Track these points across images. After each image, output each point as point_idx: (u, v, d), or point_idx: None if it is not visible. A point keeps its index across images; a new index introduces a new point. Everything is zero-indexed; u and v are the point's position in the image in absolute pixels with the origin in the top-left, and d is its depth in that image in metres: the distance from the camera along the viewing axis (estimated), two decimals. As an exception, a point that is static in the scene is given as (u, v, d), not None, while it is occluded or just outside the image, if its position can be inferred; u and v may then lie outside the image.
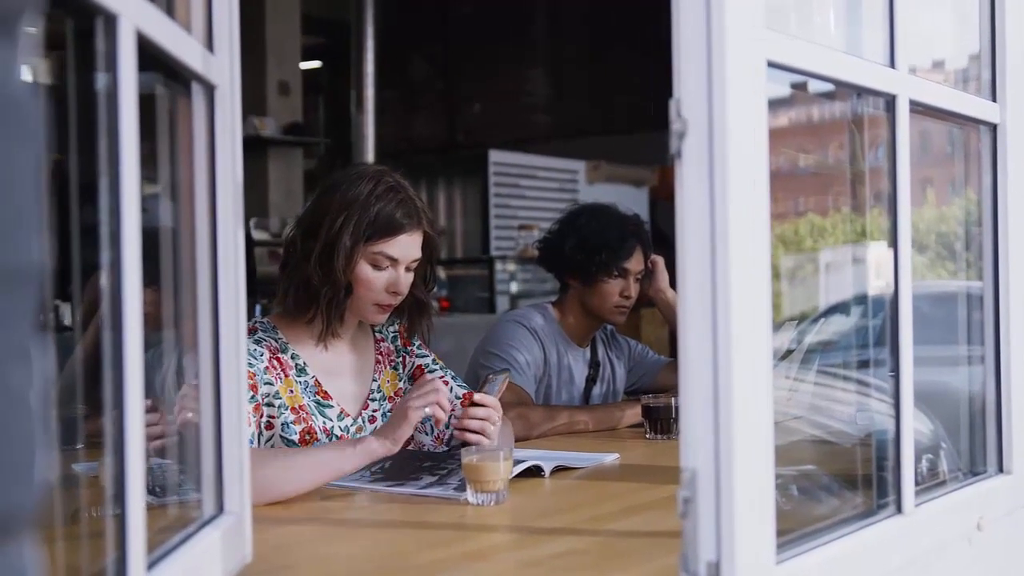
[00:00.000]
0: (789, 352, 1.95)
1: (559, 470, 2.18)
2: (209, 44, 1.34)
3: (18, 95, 0.55)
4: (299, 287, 2.21)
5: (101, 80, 0.99)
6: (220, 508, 1.36)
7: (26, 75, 0.56)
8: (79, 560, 1.16)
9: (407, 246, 2.21)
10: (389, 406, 2.35)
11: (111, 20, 0.98)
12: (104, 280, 1.00)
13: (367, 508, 1.86)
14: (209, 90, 1.33)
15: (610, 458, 2.34)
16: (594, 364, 3.12)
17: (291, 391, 2.19)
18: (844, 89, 1.55)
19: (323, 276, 2.17)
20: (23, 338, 0.55)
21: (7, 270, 0.53)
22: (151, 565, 1.08)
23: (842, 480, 1.69)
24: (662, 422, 2.62)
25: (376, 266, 2.20)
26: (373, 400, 2.34)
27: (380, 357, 2.39)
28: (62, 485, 1.27)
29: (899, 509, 1.49)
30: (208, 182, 1.34)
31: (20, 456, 0.54)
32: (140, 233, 1.01)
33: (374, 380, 2.36)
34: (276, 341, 2.22)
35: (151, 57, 1.10)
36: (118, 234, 0.98)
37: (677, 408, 2.61)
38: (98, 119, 1.00)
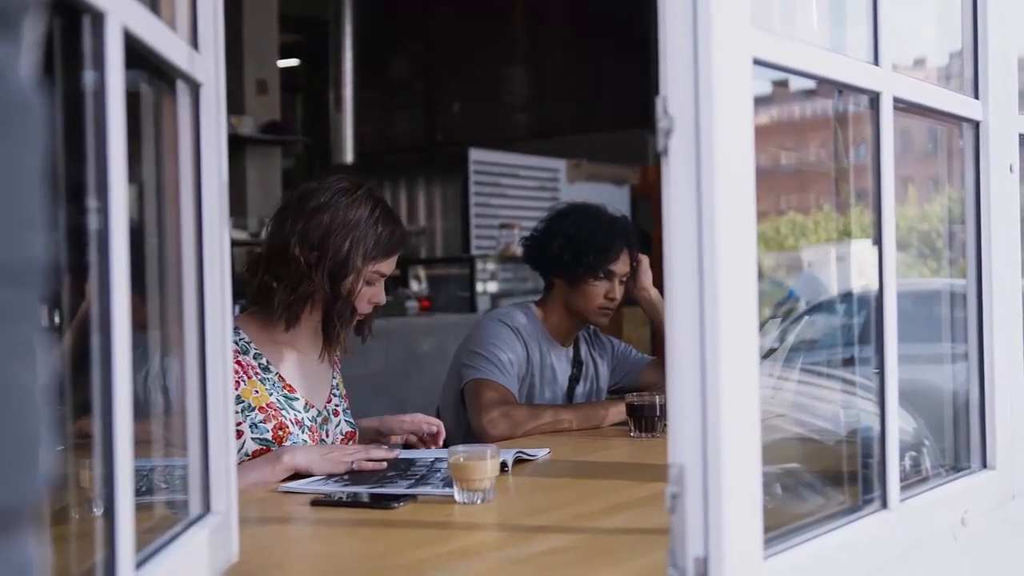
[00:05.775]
0: (772, 350, 1.95)
1: (519, 462, 2.22)
2: (194, 42, 1.33)
3: (22, 94, 0.55)
4: (302, 299, 2.24)
5: (88, 78, 0.99)
6: (207, 508, 1.36)
7: (29, 73, 0.56)
8: (63, 560, 1.15)
9: (395, 262, 2.32)
10: (346, 404, 2.44)
11: (98, 18, 0.97)
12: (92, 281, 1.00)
13: (353, 508, 1.85)
14: (194, 88, 1.33)
15: (542, 453, 2.35)
16: (577, 363, 3.11)
17: (256, 391, 2.21)
18: (828, 86, 1.56)
19: (333, 295, 2.23)
20: (30, 333, 0.55)
21: (14, 266, 0.53)
22: (138, 564, 1.07)
23: (827, 476, 1.70)
24: (646, 420, 2.62)
25: (369, 283, 2.28)
26: (335, 395, 2.41)
27: (335, 358, 2.46)
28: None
29: (884, 504, 1.49)
30: (193, 181, 1.34)
31: (26, 451, 0.54)
32: (128, 232, 1.00)
33: (333, 377, 2.43)
34: (236, 343, 2.23)
35: (136, 55, 1.09)
36: (106, 233, 0.98)
37: (662, 406, 2.63)
38: (84, 117, 0.99)
